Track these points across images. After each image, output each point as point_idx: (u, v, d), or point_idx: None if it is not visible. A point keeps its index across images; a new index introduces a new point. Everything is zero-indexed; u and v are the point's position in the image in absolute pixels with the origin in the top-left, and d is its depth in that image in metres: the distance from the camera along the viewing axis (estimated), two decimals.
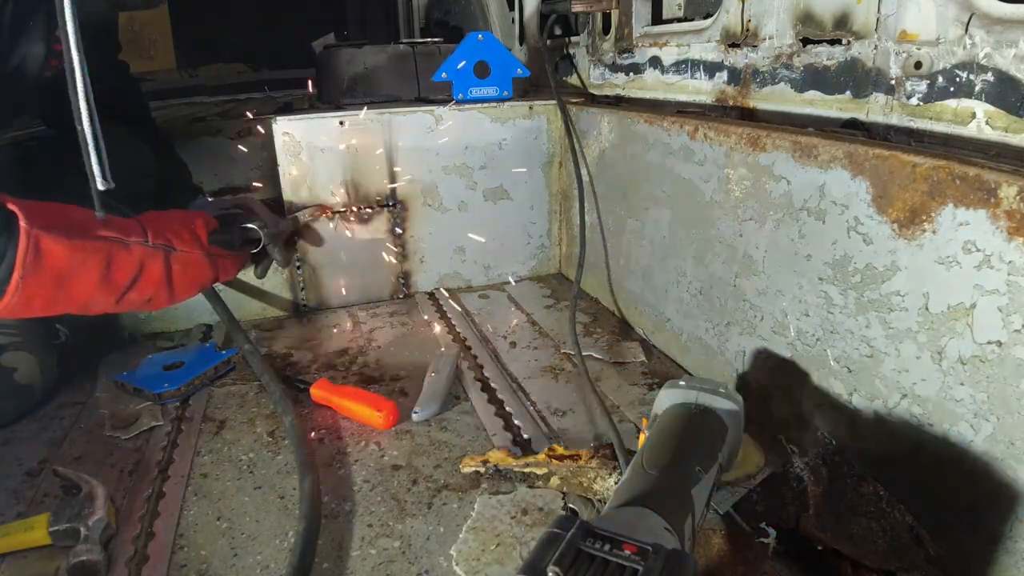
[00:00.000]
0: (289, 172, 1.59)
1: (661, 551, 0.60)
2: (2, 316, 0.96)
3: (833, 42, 1.12)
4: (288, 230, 1.54)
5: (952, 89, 0.94)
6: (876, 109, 1.06)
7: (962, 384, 0.78)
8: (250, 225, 1.38)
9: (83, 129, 0.94)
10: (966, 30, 0.91)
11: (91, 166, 0.96)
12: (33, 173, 1.33)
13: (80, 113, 0.93)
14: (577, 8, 1.73)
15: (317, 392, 1.24)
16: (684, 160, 1.27)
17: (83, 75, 0.94)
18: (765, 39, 1.26)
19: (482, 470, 1.02)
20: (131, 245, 1.05)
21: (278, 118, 1.56)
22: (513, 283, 1.84)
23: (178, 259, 1.13)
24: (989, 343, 0.75)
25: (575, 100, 1.78)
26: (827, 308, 0.97)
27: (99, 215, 1.00)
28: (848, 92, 1.11)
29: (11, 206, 0.91)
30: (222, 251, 1.25)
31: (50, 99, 1.17)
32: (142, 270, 1.07)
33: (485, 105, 1.70)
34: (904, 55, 1.00)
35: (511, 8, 2.39)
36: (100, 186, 0.97)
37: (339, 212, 1.64)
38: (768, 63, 1.26)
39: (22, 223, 0.91)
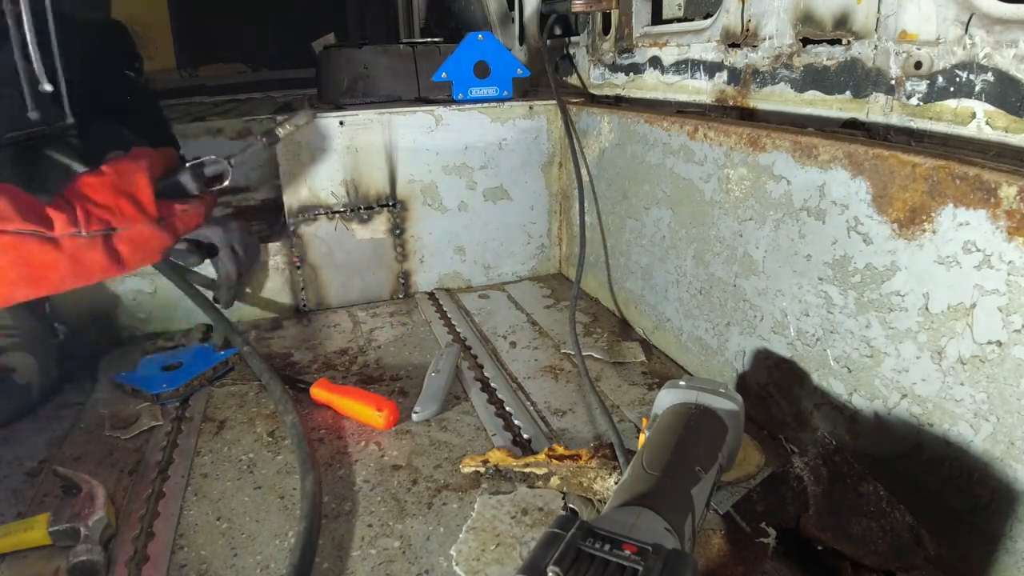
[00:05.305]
0: (289, 172, 1.59)
1: (661, 551, 0.60)
2: None
3: (833, 42, 1.12)
4: (251, 262, 1.50)
5: (952, 89, 0.94)
6: (876, 109, 1.06)
7: (962, 384, 0.78)
8: (205, 159, 1.12)
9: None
10: (966, 30, 0.91)
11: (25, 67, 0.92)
12: (32, 169, 1.33)
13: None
14: (577, 8, 1.73)
15: (317, 392, 1.24)
16: (684, 160, 1.27)
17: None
18: (765, 39, 1.26)
19: (482, 470, 1.02)
20: (59, 239, 0.91)
21: (279, 118, 1.56)
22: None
23: (123, 239, 0.97)
24: (989, 343, 0.75)
25: (575, 100, 1.78)
26: (827, 308, 0.97)
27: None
28: (848, 92, 1.11)
29: None
30: (176, 206, 1.06)
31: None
32: (79, 263, 0.93)
33: (485, 105, 1.70)
34: (904, 55, 1.00)
35: (511, 8, 2.38)
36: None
37: (339, 211, 1.64)
38: (768, 63, 1.26)
39: None
